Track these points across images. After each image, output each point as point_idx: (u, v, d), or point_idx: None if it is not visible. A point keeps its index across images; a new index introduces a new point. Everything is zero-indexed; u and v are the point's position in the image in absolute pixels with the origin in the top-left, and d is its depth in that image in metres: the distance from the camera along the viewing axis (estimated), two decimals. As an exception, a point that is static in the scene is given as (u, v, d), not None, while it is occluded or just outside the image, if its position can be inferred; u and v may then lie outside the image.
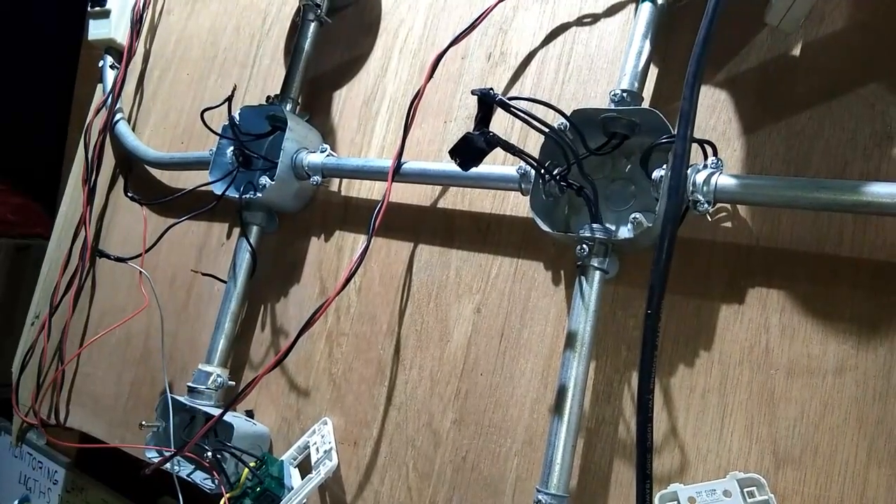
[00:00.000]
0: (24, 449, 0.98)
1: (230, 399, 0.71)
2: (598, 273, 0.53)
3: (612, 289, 0.55)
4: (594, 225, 0.53)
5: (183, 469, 0.69)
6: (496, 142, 0.52)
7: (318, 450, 0.65)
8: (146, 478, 0.70)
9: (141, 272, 0.86)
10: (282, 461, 0.66)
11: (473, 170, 0.54)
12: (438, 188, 0.68)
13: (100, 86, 1.04)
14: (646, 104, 0.57)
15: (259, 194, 0.73)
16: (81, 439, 0.92)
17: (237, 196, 0.75)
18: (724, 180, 0.49)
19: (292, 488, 0.64)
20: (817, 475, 0.45)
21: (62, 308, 0.96)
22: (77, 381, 0.93)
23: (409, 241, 0.69)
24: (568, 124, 0.55)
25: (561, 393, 0.52)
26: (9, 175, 1.64)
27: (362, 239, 0.71)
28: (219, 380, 0.72)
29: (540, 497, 0.50)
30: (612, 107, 0.55)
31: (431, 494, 0.61)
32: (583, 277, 0.53)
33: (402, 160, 0.66)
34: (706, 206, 0.49)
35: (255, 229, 0.77)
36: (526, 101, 0.56)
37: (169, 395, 0.72)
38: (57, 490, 0.93)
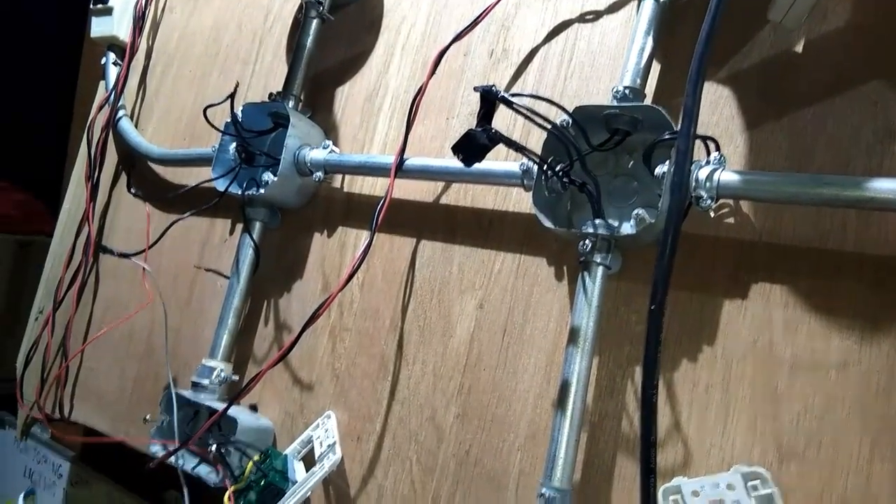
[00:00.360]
0: (28, 443, 0.97)
1: (234, 393, 0.71)
2: (600, 269, 0.52)
3: (615, 284, 0.55)
4: (597, 221, 0.53)
5: (187, 463, 0.69)
6: (498, 138, 0.52)
7: (321, 444, 0.65)
8: (151, 472, 0.69)
9: (144, 268, 0.85)
10: (286, 455, 0.66)
11: (476, 166, 0.53)
12: (441, 184, 0.68)
13: (102, 83, 1.03)
14: (648, 101, 0.57)
15: (262, 190, 0.73)
16: (85, 434, 0.91)
17: (240, 192, 0.75)
18: (727, 176, 0.48)
19: (296, 482, 0.64)
20: (821, 469, 0.44)
21: (65, 304, 0.96)
22: (81, 376, 0.92)
23: (411, 238, 0.68)
24: (570, 121, 0.55)
25: (564, 388, 0.51)
26: (11, 172, 1.63)
27: (365, 235, 0.71)
28: (222, 374, 0.72)
29: (544, 491, 0.50)
30: (615, 103, 0.54)
31: (435, 488, 0.60)
32: (585, 273, 0.53)
33: (405, 156, 0.66)
34: (709, 202, 0.49)
35: (258, 225, 0.77)
36: (528, 98, 0.55)
37: (173, 389, 0.72)
38: (62, 484, 0.93)
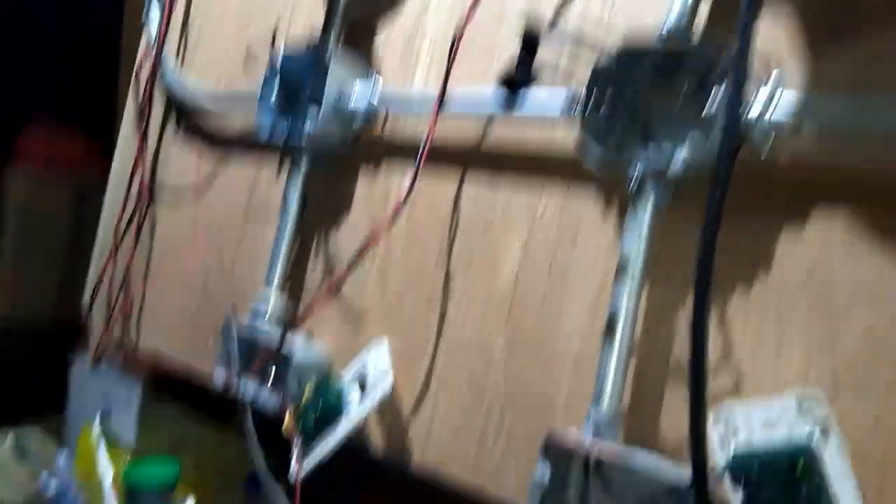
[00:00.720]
0: (101, 371, 0.99)
1: (289, 324, 0.70)
2: (650, 201, 0.50)
3: (666, 217, 0.52)
4: (647, 153, 0.50)
5: (248, 389, 0.70)
6: (542, 74, 0.49)
7: (374, 371, 0.65)
8: (216, 397, 0.71)
9: (196, 210, 0.84)
10: (340, 381, 0.66)
11: (519, 102, 0.50)
12: (483, 122, 0.65)
13: (146, 26, 1.00)
14: (701, 27, 0.52)
15: (305, 133, 0.70)
16: (152, 364, 0.93)
17: (284, 136, 0.73)
18: (787, 100, 0.45)
19: (351, 407, 0.64)
20: (878, 395, 0.43)
21: (124, 246, 0.96)
22: (144, 312, 0.93)
23: (455, 177, 0.66)
24: (618, 51, 0.51)
25: (612, 320, 0.50)
26: (67, 118, 1.62)
27: (408, 175, 0.68)
28: (278, 307, 0.72)
29: (592, 417, 0.49)
30: (665, 32, 0.50)
31: (485, 415, 0.60)
32: (635, 206, 0.50)
33: (446, 94, 0.63)
34: (766, 128, 0.45)
35: (303, 168, 0.75)
36: (573, 32, 0.52)
37: (231, 322, 0.72)
38: (134, 408, 0.95)
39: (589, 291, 0.56)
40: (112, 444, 0.94)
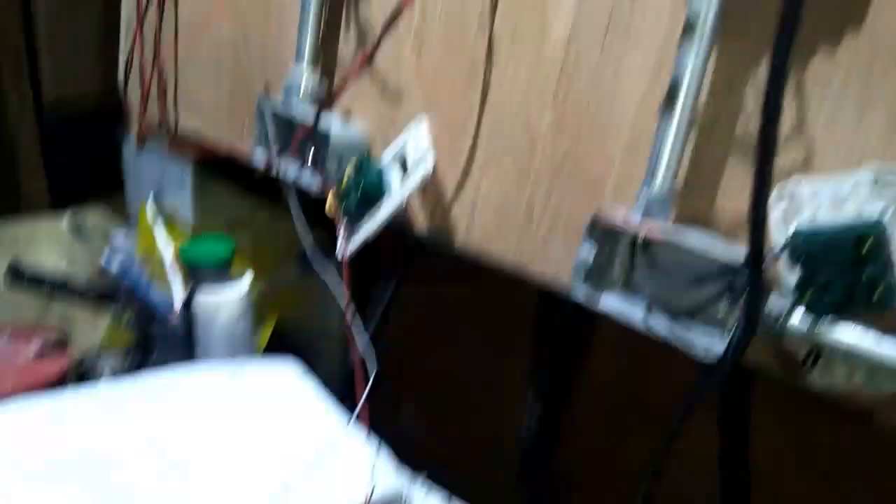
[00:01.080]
0: (150, 154, 1.01)
1: (324, 101, 0.68)
2: (731, -59, 0.42)
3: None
4: None
5: (289, 171, 0.70)
6: None
7: (414, 151, 0.64)
8: (261, 178, 0.72)
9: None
10: (380, 161, 0.65)
11: None
12: None
13: None
14: None
15: None
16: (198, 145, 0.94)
17: None
18: None
19: (392, 187, 0.64)
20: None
21: (150, 18, 0.92)
22: (179, 92, 0.92)
23: (501, -83, 0.57)
24: None
25: (674, 85, 0.46)
26: None
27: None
28: (311, 82, 0.69)
29: (643, 194, 0.47)
30: None
31: (529, 194, 0.59)
32: (712, -52, 0.43)
33: None
34: None
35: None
36: None
37: (265, 101, 0.71)
38: (186, 186, 0.99)
39: (650, 54, 0.50)
40: (170, 221, 0.99)
